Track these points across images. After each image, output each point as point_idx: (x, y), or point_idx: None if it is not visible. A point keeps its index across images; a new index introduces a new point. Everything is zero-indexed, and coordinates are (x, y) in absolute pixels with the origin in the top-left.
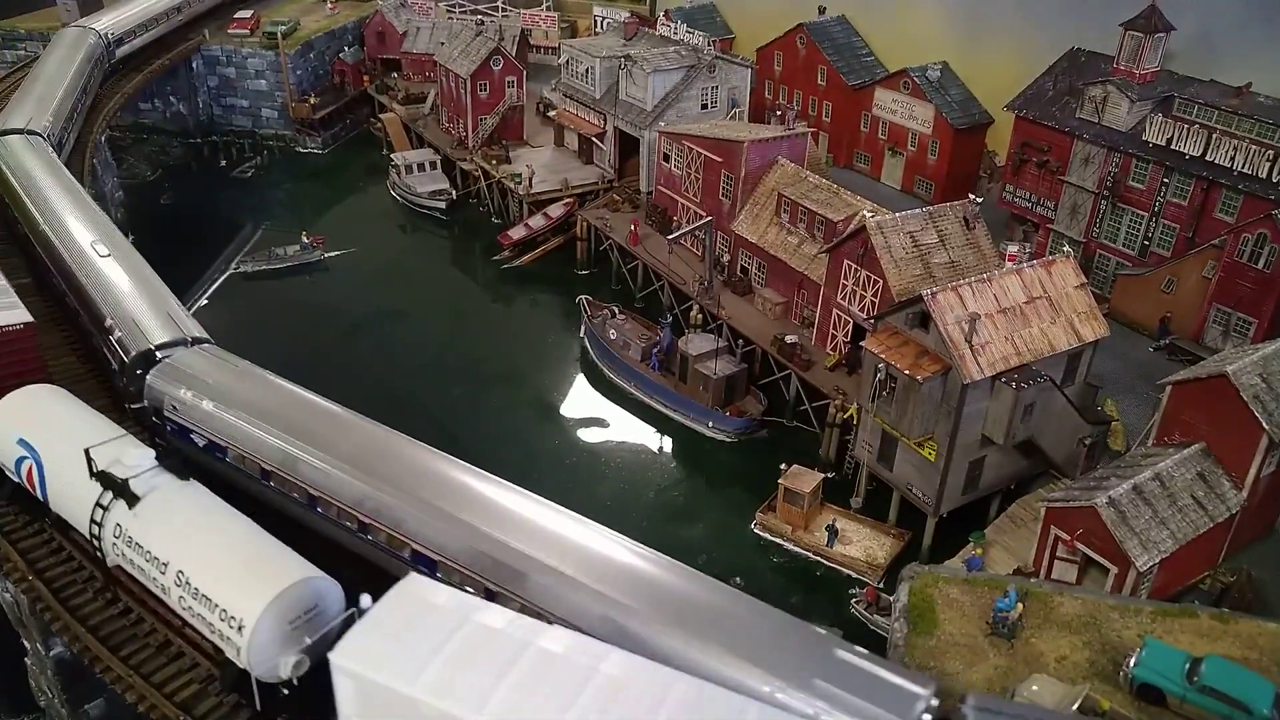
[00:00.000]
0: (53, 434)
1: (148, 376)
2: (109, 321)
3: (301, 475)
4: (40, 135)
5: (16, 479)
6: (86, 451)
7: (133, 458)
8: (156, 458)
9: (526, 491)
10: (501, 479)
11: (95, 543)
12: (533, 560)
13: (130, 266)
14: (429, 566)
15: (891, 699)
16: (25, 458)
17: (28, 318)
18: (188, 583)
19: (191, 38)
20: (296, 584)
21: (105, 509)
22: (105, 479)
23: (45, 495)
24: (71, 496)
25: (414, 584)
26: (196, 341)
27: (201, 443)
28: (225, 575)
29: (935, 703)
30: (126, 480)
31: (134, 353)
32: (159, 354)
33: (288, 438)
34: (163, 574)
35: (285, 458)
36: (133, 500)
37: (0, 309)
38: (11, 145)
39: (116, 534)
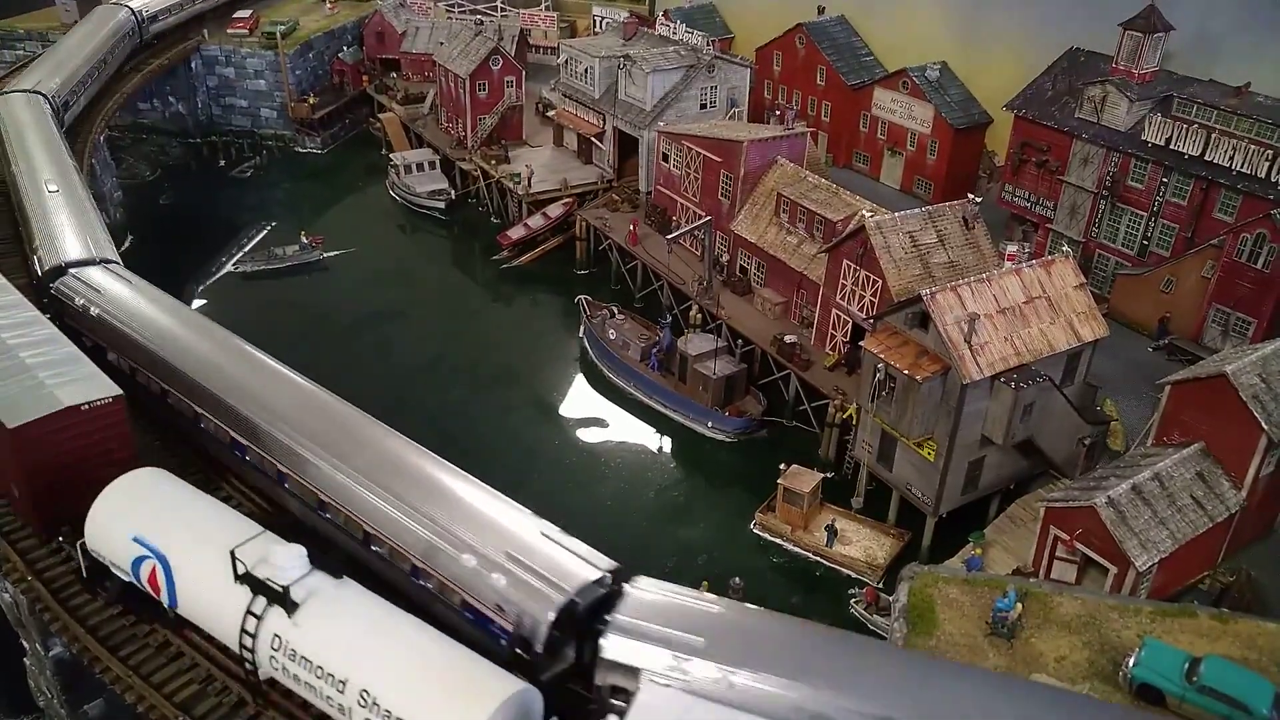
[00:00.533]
0: (177, 530)
1: (53, 286)
2: (36, 242)
3: (159, 372)
4: (43, 95)
5: (129, 578)
6: (232, 553)
7: (284, 558)
8: (309, 557)
9: (336, 397)
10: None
11: (245, 653)
12: (316, 452)
13: (71, 202)
14: (241, 450)
15: (568, 572)
16: (146, 558)
17: (116, 390)
18: (375, 704)
19: (193, 36)
20: (509, 700)
21: (259, 618)
22: (256, 584)
23: (173, 600)
24: (211, 602)
25: (655, 697)
26: (105, 262)
27: (89, 344)
28: (423, 694)
29: (609, 578)
30: (288, 588)
31: (48, 267)
32: (69, 269)
33: (153, 341)
34: (340, 693)
35: (151, 359)
36: (292, 608)
37: (81, 378)
38: (11, 101)
39: (275, 646)
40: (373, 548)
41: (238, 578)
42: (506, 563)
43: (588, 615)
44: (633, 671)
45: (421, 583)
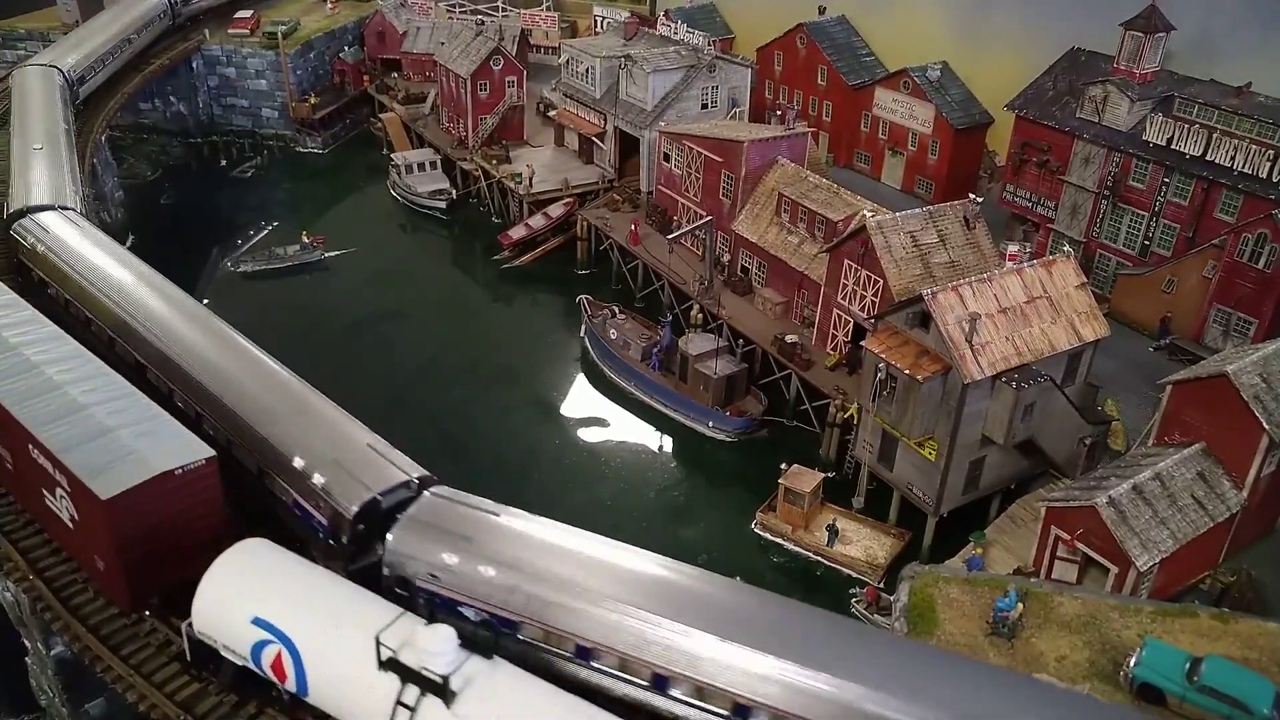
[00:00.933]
0: (303, 611)
1: (11, 228)
2: (10, 190)
3: (88, 305)
4: (58, 69)
5: (243, 661)
6: (377, 639)
7: (435, 642)
8: (459, 639)
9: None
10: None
11: None
12: (198, 366)
13: (50, 158)
14: (141, 370)
15: (378, 475)
16: (268, 642)
17: (207, 451)
18: None
19: (193, 37)
20: None
21: (412, 709)
22: (407, 672)
23: (303, 688)
24: (351, 692)
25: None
26: (61, 208)
27: (36, 279)
28: None
29: (415, 483)
30: (448, 676)
31: (11, 210)
32: (28, 213)
33: (84, 276)
34: None
35: (80, 292)
36: (451, 698)
37: (166, 437)
38: (27, 73)
39: None
40: (232, 453)
41: (382, 664)
42: (329, 466)
43: (389, 514)
44: (407, 559)
45: (265, 483)
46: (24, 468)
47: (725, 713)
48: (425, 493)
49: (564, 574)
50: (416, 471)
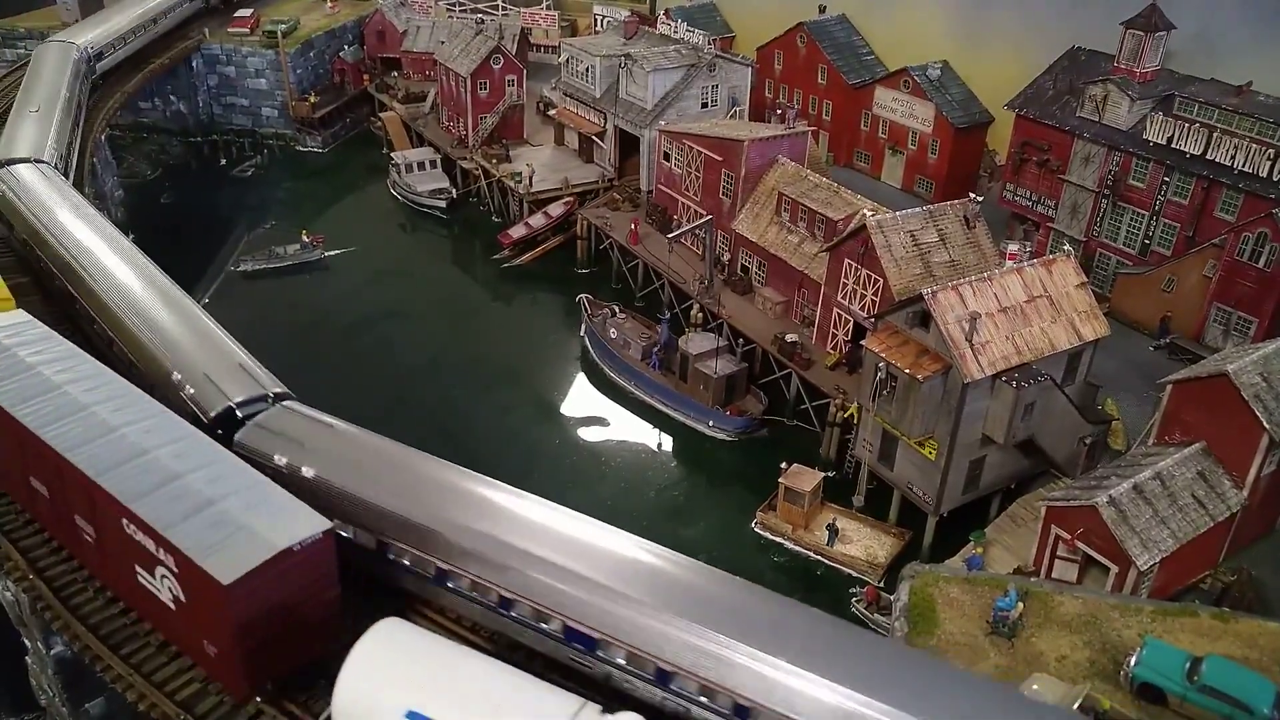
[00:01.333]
0: (468, 703)
1: None
2: None
3: (38, 245)
4: (75, 45)
5: None
6: None
7: None
8: None
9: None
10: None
11: None
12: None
13: (42, 120)
14: (73, 301)
15: (239, 388)
16: None
17: (324, 523)
18: None
19: (192, 36)
20: None
21: None
22: None
23: None
24: None
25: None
26: (37, 161)
27: (5, 224)
28: None
29: (271, 396)
30: None
31: None
32: (5, 165)
33: (40, 221)
34: None
35: (35, 234)
36: None
37: (278, 510)
38: (48, 48)
39: None
40: (134, 371)
41: None
42: (199, 380)
43: (244, 422)
44: (248, 458)
45: (155, 396)
46: (115, 544)
47: (492, 603)
48: (278, 405)
49: (373, 476)
50: (276, 388)
